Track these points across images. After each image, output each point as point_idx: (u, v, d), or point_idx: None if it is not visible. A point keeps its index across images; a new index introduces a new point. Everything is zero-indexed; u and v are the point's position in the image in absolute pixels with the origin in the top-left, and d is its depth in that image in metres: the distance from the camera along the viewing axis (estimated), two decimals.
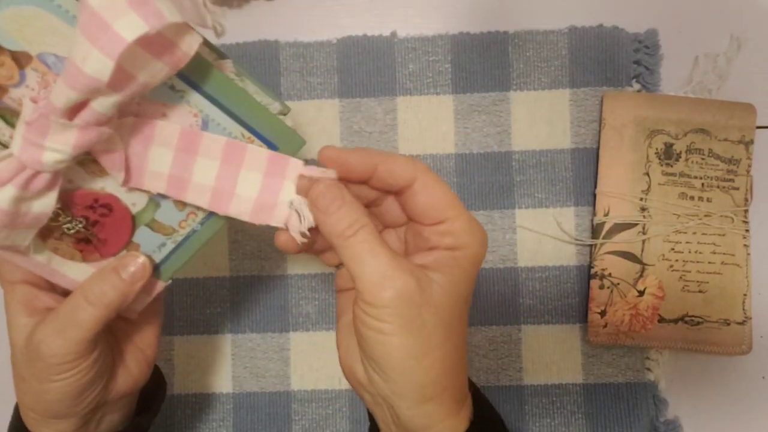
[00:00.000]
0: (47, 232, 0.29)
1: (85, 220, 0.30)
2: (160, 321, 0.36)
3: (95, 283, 0.30)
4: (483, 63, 0.48)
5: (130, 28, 0.22)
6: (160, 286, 0.33)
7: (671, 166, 0.46)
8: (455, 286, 0.29)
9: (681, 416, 0.47)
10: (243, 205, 0.29)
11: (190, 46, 0.24)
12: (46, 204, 0.27)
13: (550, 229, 0.48)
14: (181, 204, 0.30)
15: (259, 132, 0.29)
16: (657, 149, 0.46)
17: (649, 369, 0.47)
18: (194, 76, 0.27)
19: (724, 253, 0.46)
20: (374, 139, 0.48)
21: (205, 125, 0.28)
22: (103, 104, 0.24)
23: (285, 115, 0.30)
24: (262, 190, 0.29)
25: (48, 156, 0.25)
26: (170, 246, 0.31)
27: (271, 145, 0.29)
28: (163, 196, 0.30)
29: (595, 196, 0.47)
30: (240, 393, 0.48)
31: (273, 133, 0.29)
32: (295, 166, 0.29)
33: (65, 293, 0.32)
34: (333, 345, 0.48)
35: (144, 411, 0.37)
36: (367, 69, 0.48)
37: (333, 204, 0.28)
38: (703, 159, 0.46)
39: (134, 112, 0.27)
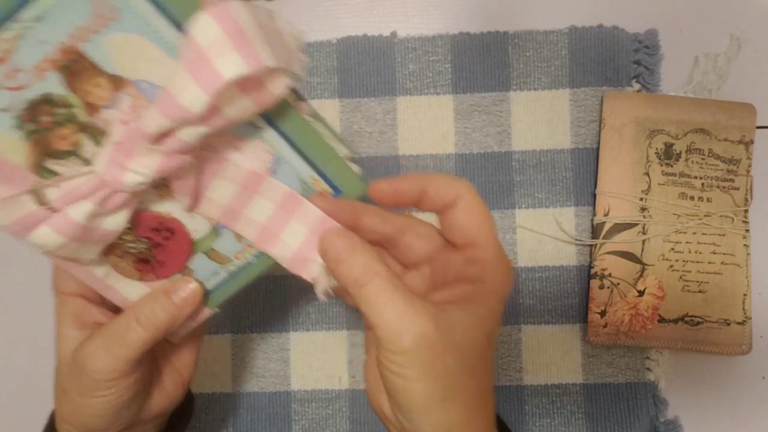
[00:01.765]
0: (110, 248, 0.30)
1: (148, 240, 0.30)
2: (200, 344, 0.36)
3: (147, 305, 0.30)
4: (483, 63, 0.48)
5: (231, 67, 0.23)
6: (207, 313, 0.33)
7: (671, 166, 0.46)
8: (478, 323, 0.28)
9: (681, 416, 0.47)
10: (284, 251, 0.30)
11: (278, 88, 0.26)
12: (117, 222, 0.28)
13: (550, 229, 0.48)
14: (241, 236, 0.31)
15: (327, 175, 0.30)
16: (657, 149, 0.46)
17: (649, 369, 0.47)
18: (273, 114, 0.28)
19: (724, 253, 0.46)
20: (374, 139, 0.48)
21: (277, 163, 0.29)
22: (190, 134, 0.25)
23: (351, 159, 0.31)
24: (304, 243, 0.30)
25: (129, 177, 0.26)
26: (223, 275, 0.32)
27: (335, 189, 0.30)
28: (224, 226, 0.31)
29: (595, 196, 0.47)
30: (240, 393, 0.48)
31: (339, 177, 0.30)
32: None
33: (115, 309, 0.32)
34: (333, 345, 0.48)
35: (169, 429, 0.37)
36: (367, 69, 0.48)
37: (343, 252, 0.28)
38: (703, 159, 0.46)
39: (213, 144, 0.28)
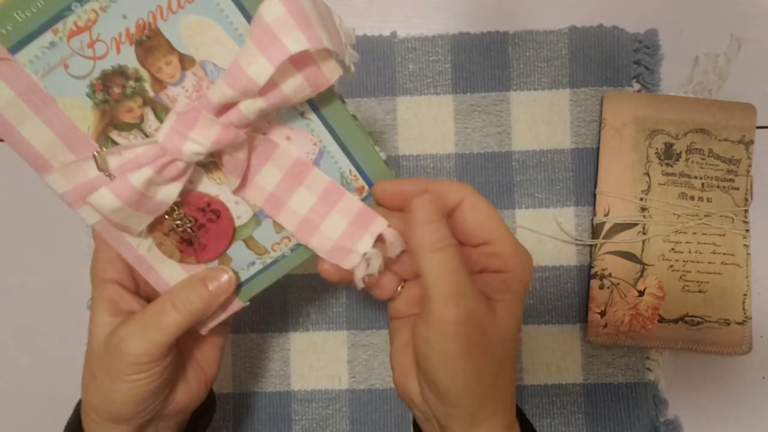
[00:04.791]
0: (158, 225, 0.31)
1: (195, 220, 0.31)
2: (224, 344, 0.37)
3: (183, 290, 0.31)
4: (483, 63, 0.48)
5: (295, 42, 0.25)
6: (238, 305, 0.34)
7: (671, 166, 0.46)
8: (507, 311, 0.29)
9: (681, 416, 0.47)
10: (323, 242, 0.31)
11: (332, 73, 0.27)
12: (170, 193, 0.29)
13: (550, 229, 0.48)
14: (279, 227, 0.32)
15: (365, 171, 0.31)
16: (657, 149, 0.46)
17: (649, 369, 0.47)
18: (323, 107, 0.30)
19: (724, 253, 0.46)
20: (374, 139, 0.48)
21: (321, 155, 0.31)
22: (249, 107, 0.27)
23: (386, 162, 0.32)
24: (344, 234, 0.31)
25: (188, 146, 0.27)
26: (258, 266, 0.33)
27: (369, 184, 0.32)
28: (265, 216, 0.32)
29: (595, 196, 0.47)
30: (240, 393, 0.48)
31: (377, 176, 0.31)
32: (378, 225, 0.31)
33: (148, 299, 0.33)
34: (333, 345, 0.48)
35: (191, 428, 0.38)
36: (367, 69, 0.48)
37: (430, 216, 0.29)
38: (703, 159, 0.46)
39: (265, 129, 0.30)
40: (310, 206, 0.31)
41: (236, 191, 0.31)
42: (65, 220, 0.47)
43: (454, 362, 0.27)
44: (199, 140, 0.27)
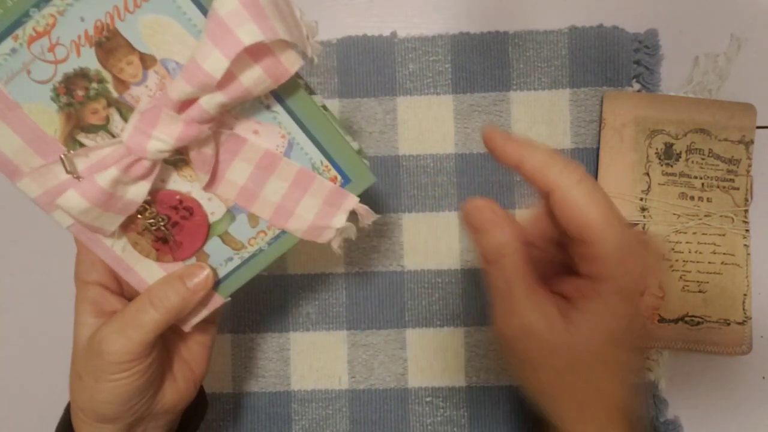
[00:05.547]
0: (132, 225, 0.31)
1: (168, 218, 0.31)
2: (212, 343, 0.37)
3: (161, 288, 0.31)
4: (483, 63, 0.48)
5: (249, 35, 0.25)
6: (218, 301, 0.34)
7: (671, 166, 0.46)
8: (593, 322, 0.26)
9: (681, 416, 0.47)
10: (299, 224, 0.32)
11: (292, 64, 0.27)
12: (139, 192, 0.29)
13: None
14: (254, 221, 0.32)
15: (337, 163, 0.31)
16: (657, 149, 0.46)
17: (649, 369, 0.46)
18: (289, 100, 0.30)
19: (724, 253, 0.46)
20: (374, 139, 0.48)
21: (290, 147, 0.31)
22: (210, 102, 0.27)
23: (360, 154, 0.32)
24: (318, 214, 0.32)
25: (152, 144, 0.27)
26: (237, 261, 0.33)
27: (344, 176, 0.32)
28: (239, 211, 0.32)
29: None
30: (240, 393, 0.48)
31: (349, 166, 0.31)
32: (350, 201, 0.32)
33: (132, 300, 0.33)
34: (333, 345, 0.48)
35: (182, 428, 0.38)
36: (367, 69, 0.48)
37: (488, 223, 0.28)
38: (703, 159, 0.46)
39: (231, 125, 0.30)
40: (283, 194, 0.31)
41: (207, 187, 0.31)
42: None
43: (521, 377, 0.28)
44: (163, 138, 0.27)
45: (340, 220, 0.32)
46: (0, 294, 0.49)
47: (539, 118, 0.48)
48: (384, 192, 0.48)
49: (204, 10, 0.27)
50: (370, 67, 0.48)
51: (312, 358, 0.48)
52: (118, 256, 0.32)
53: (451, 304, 0.47)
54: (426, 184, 0.48)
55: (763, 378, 0.47)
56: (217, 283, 0.33)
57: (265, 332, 0.48)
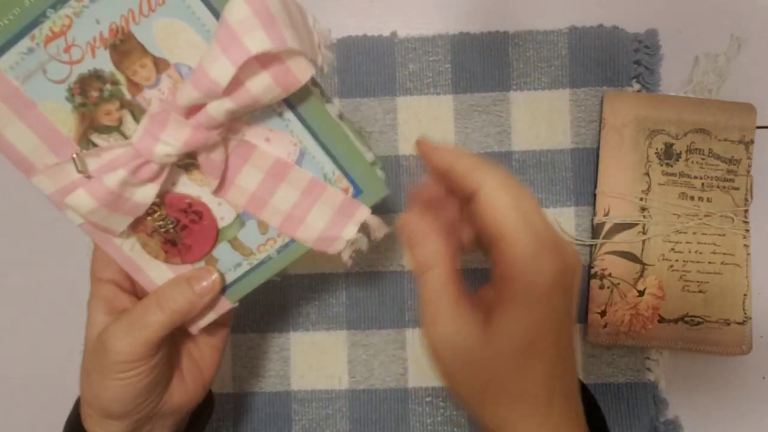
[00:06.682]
0: (141, 226, 0.31)
1: (177, 222, 0.31)
2: (223, 346, 0.37)
3: (168, 290, 0.32)
4: (483, 63, 0.48)
5: (257, 42, 0.25)
6: (226, 305, 0.34)
7: (671, 166, 0.46)
8: (509, 327, 0.26)
9: (681, 416, 0.47)
10: (309, 233, 0.32)
11: (302, 73, 0.27)
12: (147, 194, 0.29)
13: None
14: (264, 228, 0.32)
15: (349, 173, 0.31)
16: (657, 149, 0.46)
17: (649, 369, 0.47)
18: (301, 108, 0.30)
19: (724, 253, 0.46)
20: (374, 139, 0.48)
21: (302, 155, 0.31)
22: (217, 109, 0.27)
23: (375, 165, 0.32)
24: (329, 224, 0.32)
25: (160, 148, 0.28)
26: (245, 267, 0.33)
27: (356, 188, 0.32)
28: (249, 217, 0.32)
29: (595, 196, 0.47)
30: (240, 393, 0.48)
31: (361, 177, 0.31)
32: (362, 213, 0.32)
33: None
34: (333, 345, 0.48)
35: (190, 428, 0.38)
36: (367, 69, 0.48)
37: (411, 240, 0.29)
38: (703, 159, 0.46)
39: (243, 131, 0.30)
40: (293, 202, 0.31)
41: (217, 192, 0.31)
42: (65, 219, 0.47)
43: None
44: (170, 142, 0.27)
45: (351, 231, 0.32)
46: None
47: (539, 118, 0.48)
48: None
49: (218, 15, 0.27)
50: (370, 67, 0.48)
51: (312, 358, 0.48)
52: (127, 256, 0.32)
53: None
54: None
55: (763, 378, 0.47)
56: (224, 288, 0.33)
57: (265, 332, 0.48)
